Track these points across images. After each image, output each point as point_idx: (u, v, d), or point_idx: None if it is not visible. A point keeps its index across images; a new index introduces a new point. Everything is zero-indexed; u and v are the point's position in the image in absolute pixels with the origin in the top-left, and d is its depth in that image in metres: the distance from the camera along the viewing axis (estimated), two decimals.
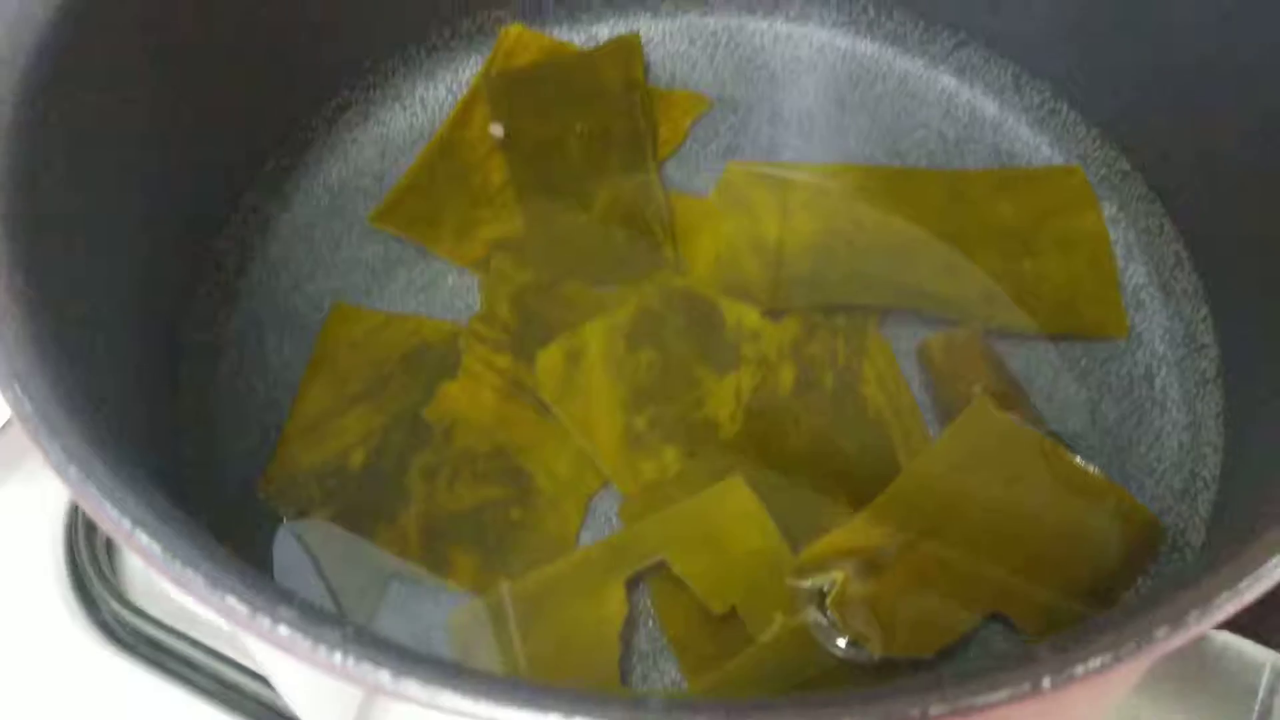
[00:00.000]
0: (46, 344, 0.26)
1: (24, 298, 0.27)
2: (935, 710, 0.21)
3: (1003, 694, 0.21)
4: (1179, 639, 0.22)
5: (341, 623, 0.22)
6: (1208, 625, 0.22)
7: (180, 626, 0.41)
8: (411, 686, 0.22)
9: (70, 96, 0.32)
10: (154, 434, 0.35)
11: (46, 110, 0.31)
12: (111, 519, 0.23)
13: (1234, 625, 0.39)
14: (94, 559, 0.42)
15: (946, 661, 0.34)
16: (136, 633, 0.41)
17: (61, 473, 0.24)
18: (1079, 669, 0.21)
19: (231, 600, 0.23)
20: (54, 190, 0.31)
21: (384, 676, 0.22)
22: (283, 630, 0.22)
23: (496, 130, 0.43)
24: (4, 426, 0.45)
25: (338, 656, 0.22)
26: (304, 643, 0.22)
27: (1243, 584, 0.23)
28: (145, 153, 0.37)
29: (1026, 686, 0.21)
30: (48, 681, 0.41)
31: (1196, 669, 0.40)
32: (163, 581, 0.23)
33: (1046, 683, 0.21)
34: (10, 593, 0.42)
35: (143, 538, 0.23)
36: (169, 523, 0.24)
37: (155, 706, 0.40)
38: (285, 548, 0.37)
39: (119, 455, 0.25)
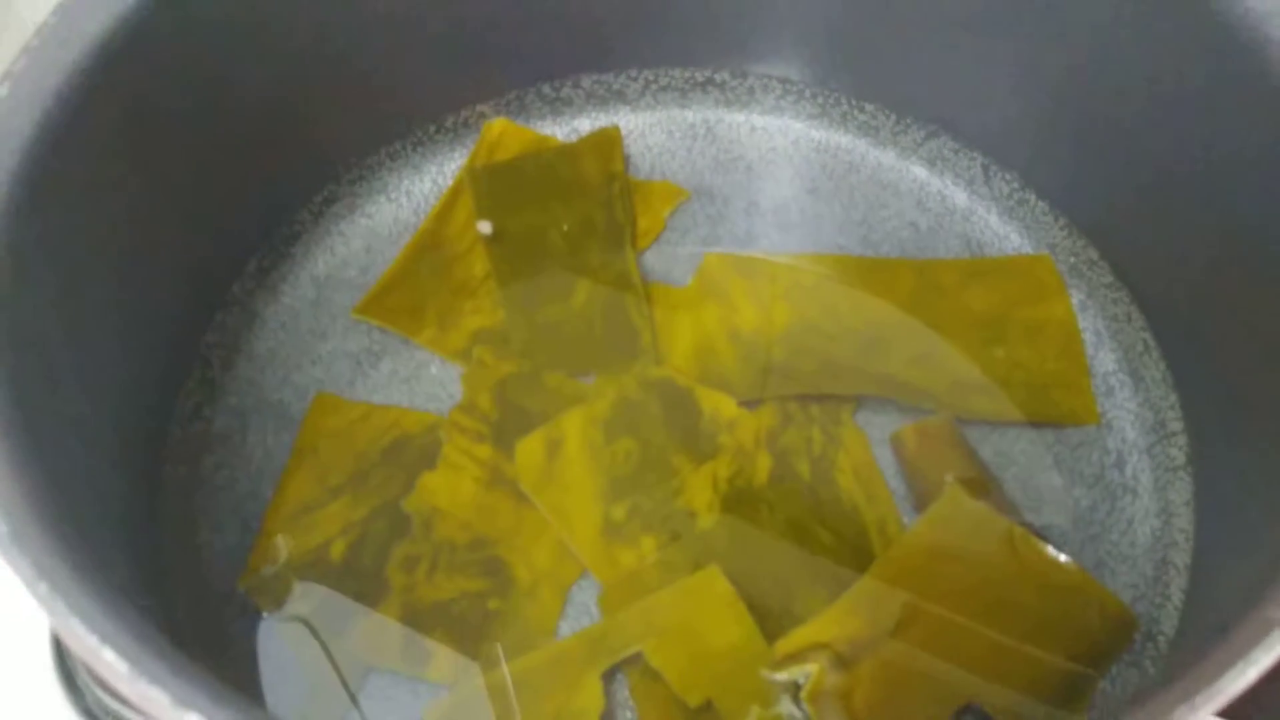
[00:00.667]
0: (20, 453, 0.27)
1: (2, 415, 0.28)
2: None
3: None
4: None
5: None
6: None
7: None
8: None
9: (50, 213, 0.32)
10: (135, 533, 0.36)
11: (28, 226, 0.31)
12: (78, 635, 0.23)
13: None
14: None
15: None
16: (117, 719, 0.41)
17: (32, 588, 0.24)
18: None
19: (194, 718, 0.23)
20: (37, 304, 0.31)
21: None
22: None
23: (484, 227, 0.44)
24: None
25: None
26: None
27: (1222, 681, 0.23)
28: (131, 256, 0.37)
29: None
30: None
31: None
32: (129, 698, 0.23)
33: None
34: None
35: (109, 655, 0.24)
36: (137, 638, 0.24)
37: None
38: (268, 641, 0.37)
39: (93, 562, 0.26)
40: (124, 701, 0.41)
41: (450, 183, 0.46)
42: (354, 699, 0.36)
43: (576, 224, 0.44)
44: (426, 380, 0.42)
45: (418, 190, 0.46)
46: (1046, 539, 0.36)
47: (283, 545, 0.38)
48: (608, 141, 0.46)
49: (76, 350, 0.33)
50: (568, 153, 0.46)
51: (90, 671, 0.42)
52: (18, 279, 0.30)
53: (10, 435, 0.27)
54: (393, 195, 0.46)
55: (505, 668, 0.36)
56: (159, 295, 0.39)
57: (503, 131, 0.47)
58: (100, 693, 0.41)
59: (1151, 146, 0.39)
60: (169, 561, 0.38)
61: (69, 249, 0.33)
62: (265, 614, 0.37)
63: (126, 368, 0.37)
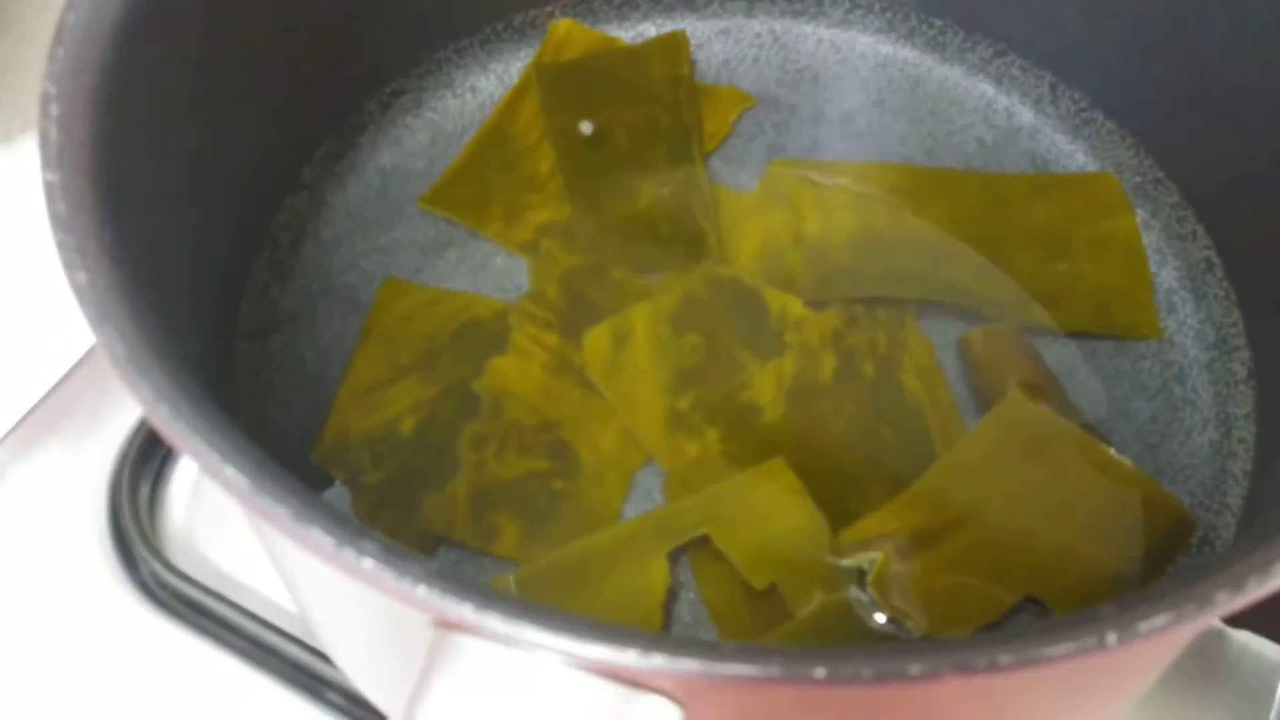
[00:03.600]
0: (134, 295, 0.27)
1: (111, 253, 0.28)
2: (1003, 660, 0.22)
3: (1068, 647, 0.22)
4: (1237, 603, 0.23)
5: (423, 559, 0.23)
6: (1264, 592, 0.23)
7: (220, 589, 0.41)
8: (494, 620, 0.22)
9: (145, 72, 0.33)
10: (216, 395, 0.36)
11: (126, 84, 0.32)
12: (202, 453, 0.24)
13: (1253, 625, 0.40)
14: (136, 520, 0.42)
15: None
16: (176, 594, 0.42)
17: (152, 411, 0.24)
18: (1142, 626, 0.22)
19: (317, 533, 0.23)
20: (135, 158, 0.32)
21: (467, 610, 0.22)
22: (367, 564, 0.23)
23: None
24: (48, 393, 0.46)
25: (422, 589, 0.23)
26: (388, 575, 0.23)
27: None
28: (213, 130, 0.37)
29: (1092, 641, 0.22)
30: (88, 639, 0.41)
31: (1215, 669, 0.41)
32: (248, 515, 0.24)
33: (1112, 638, 0.22)
34: (54, 552, 0.42)
35: (231, 471, 0.24)
36: (254, 460, 0.24)
37: (192, 667, 0.41)
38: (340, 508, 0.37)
39: (200, 398, 0.26)
40: (178, 573, 0.42)
41: (516, 80, 0.46)
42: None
43: (643, 126, 0.45)
44: (493, 270, 0.42)
45: (484, 87, 0.46)
46: (1108, 441, 0.37)
47: (353, 419, 0.38)
48: (674, 45, 0.46)
49: (166, 211, 0.34)
50: (634, 55, 0.46)
51: (148, 543, 0.42)
52: (122, 129, 0.31)
53: (120, 275, 0.27)
54: (459, 91, 0.46)
55: (572, 544, 0.36)
56: (235, 171, 0.39)
57: (569, 31, 0.47)
58: (156, 565, 0.42)
59: (1222, 66, 0.40)
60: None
61: (161, 108, 0.34)
62: (338, 483, 0.37)
63: (205, 238, 0.37)
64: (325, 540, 0.23)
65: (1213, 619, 0.23)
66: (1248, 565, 0.24)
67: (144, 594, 0.42)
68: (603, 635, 0.22)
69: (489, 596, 0.23)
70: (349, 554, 0.23)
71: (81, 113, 0.30)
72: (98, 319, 0.26)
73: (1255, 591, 0.23)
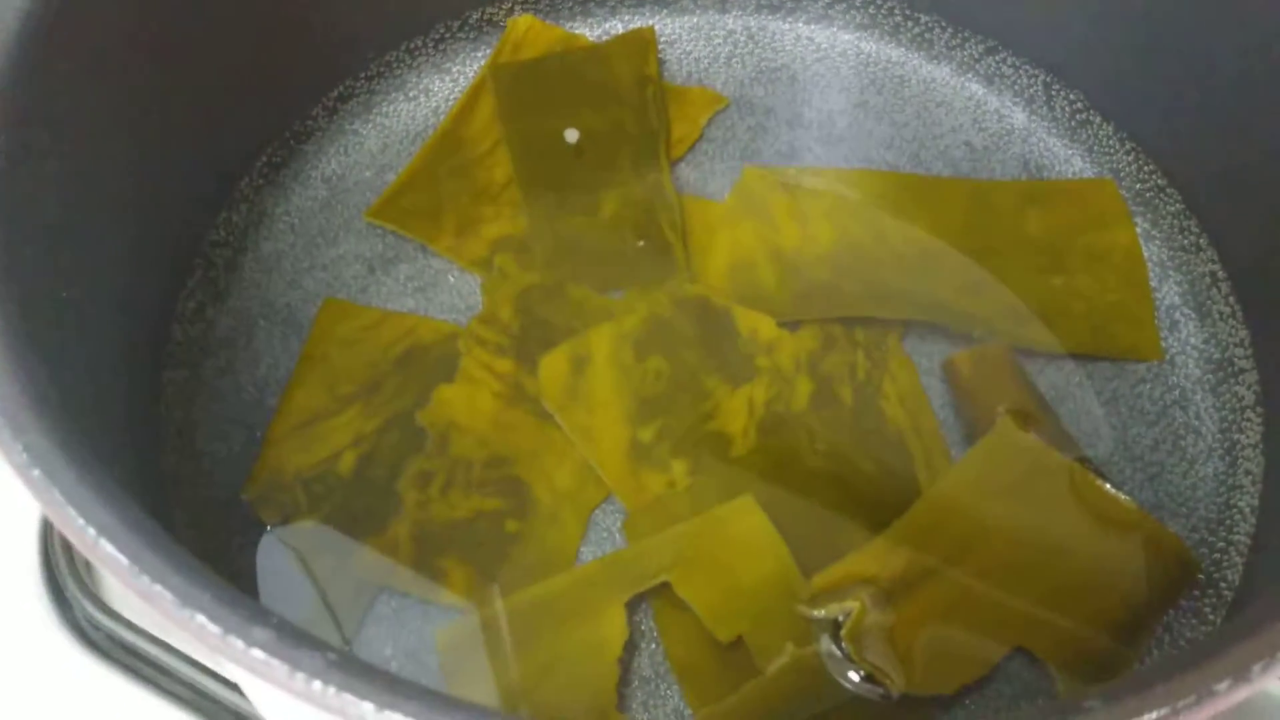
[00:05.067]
0: (19, 343, 0.25)
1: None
2: None
3: None
4: (1241, 693, 0.20)
5: (322, 646, 0.20)
6: (1272, 678, 0.21)
7: (155, 631, 0.39)
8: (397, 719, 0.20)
9: (53, 85, 0.30)
10: (135, 436, 0.33)
11: (30, 100, 0.29)
12: (75, 527, 0.21)
13: None
14: (69, 559, 0.40)
15: (968, 697, 0.32)
16: (110, 636, 0.39)
17: (24, 475, 0.22)
18: None
19: (201, 619, 0.21)
20: (39, 182, 0.29)
21: (367, 708, 0.20)
22: (257, 654, 0.20)
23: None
24: None
25: (317, 685, 0.20)
26: (280, 668, 0.20)
27: None
28: (136, 142, 0.35)
29: None
30: (20, 683, 0.39)
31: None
32: (129, 594, 0.21)
33: None
34: None
35: (108, 547, 0.21)
36: (138, 532, 0.22)
37: (126, 709, 0.38)
38: (270, 556, 0.35)
39: (92, 457, 0.23)
40: (113, 615, 0.39)
41: (472, 82, 0.43)
42: (362, 617, 0.34)
43: (606, 129, 0.42)
44: (444, 289, 0.39)
45: (438, 89, 0.43)
46: (1103, 475, 0.34)
47: (289, 455, 0.35)
48: (641, 42, 0.43)
49: (77, 235, 0.31)
50: (597, 53, 0.43)
51: (81, 584, 0.39)
52: (20, 152, 0.28)
53: (5, 316, 0.25)
54: (411, 94, 0.43)
55: (524, 591, 0.33)
56: (163, 186, 0.37)
57: (529, 29, 0.44)
58: (90, 607, 0.39)
59: (1229, 65, 0.37)
60: (169, 469, 0.35)
61: (73, 126, 0.31)
62: (269, 527, 0.34)
63: (128, 260, 0.35)
64: (211, 628, 0.21)
65: (1213, 711, 0.21)
66: (1253, 647, 0.21)
67: (77, 637, 0.39)
68: None
69: (393, 694, 0.20)
70: (236, 643, 0.21)
71: None
72: None
73: (1260, 680, 0.21)
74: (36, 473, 0.22)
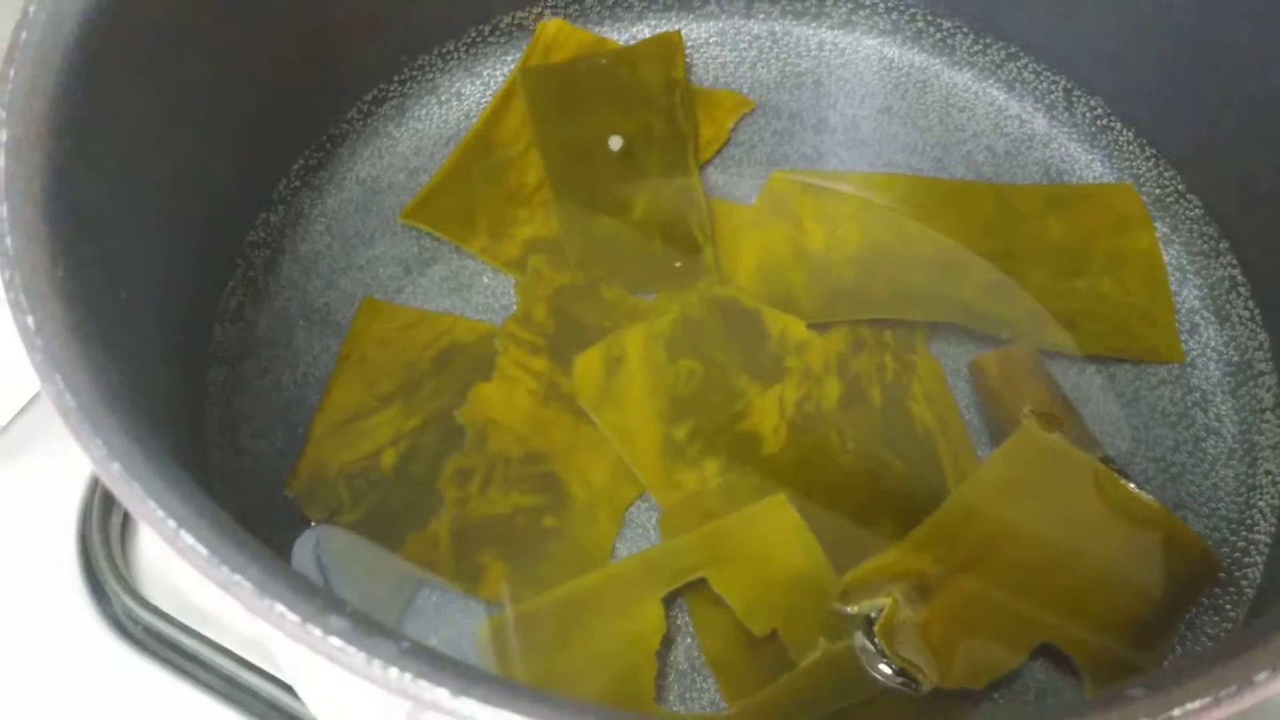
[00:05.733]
0: (88, 337, 0.25)
1: (64, 291, 0.26)
2: None
3: None
4: (1278, 683, 0.21)
5: (397, 636, 0.21)
6: None
7: (191, 623, 0.39)
8: (470, 705, 0.21)
9: (107, 90, 0.31)
10: (182, 433, 0.34)
11: (85, 105, 0.30)
12: (156, 519, 0.22)
13: None
14: (107, 552, 0.40)
15: (996, 692, 0.33)
16: (147, 628, 0.40)
17: (104, 470, 0.23)
18: (1176, 711, 0.20)
19: (281, 608, 0.21)
20: (93, 184, 0.30)
21: (442, 694, 0.21)
22: (335, 641, 0.21)
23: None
24: (16, 415, 0.44)
25: (393, 672, 0.21)
26: (357, 655, 0.21)
27: None
28: (181, 145, 0.35)
29: None
30: (58, 674, 0.39)
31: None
32: (210, 585, 0.22)
33: None
34: (23, 585, 0.40)
35: (188, 539, 0.22)
36: (214, 525, 0.22)
37: (167, 705, 0.39)
38: (314, 551, 0.35)
39: (164, 452, 0.24)
40: (151, 608, 0.40)
41: (503, 85, 0.44)
42: (402, 613, 0.34)
43: (635, 132, 0.42)
44: (479, 289, 0.40)
45: (469, 93, 0.44)
46: (1126, 475, 0.35)
47: (330, 452, 0.36)
48: (668, 46, 0.44)
49: (128, 236, 0.32)
50: (626, 56, 0.44)
51: (119, 577, 0.40)
52: (79, 154, 0.29)
53: (74, 314, 0.25)
54: (444, 97, 0.44)
55: (562, 587, 0.34)
56: (206, 187, 0.37)
57: (558, 32, 0.45)
58: (128, 600, 0.40)
59: (1248, 72, 0.38)
60: (213, 466, 0.36)
61: (123, 131, 0.32)
62: (312, 523, 0.35)
63: (172, 261, 0.35)
64: (290, 616, 0.21)
65: (1252, 701, 0.21)
66: None
67: (116, 629, 0.40)
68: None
69: (466, 679, 0.21)
70: (314, 631, 0.21)
71: (35, 139, 0.28)
72: (45, 368, 0.24)
73: None
74: (117, 467, 0.22)
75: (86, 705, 0.39)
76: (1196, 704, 0.20)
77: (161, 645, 0.40)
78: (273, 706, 0.39)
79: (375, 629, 0.21)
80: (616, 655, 0.33)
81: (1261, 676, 0.21)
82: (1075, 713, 0.21)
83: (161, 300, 0.34)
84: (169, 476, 0.23)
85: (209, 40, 0.36)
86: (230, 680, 0.39)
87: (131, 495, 0.22)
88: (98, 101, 0.30)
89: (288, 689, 0.38)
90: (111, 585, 0.40)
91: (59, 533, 0.42)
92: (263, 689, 0.39)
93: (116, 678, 0.39)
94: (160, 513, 0.22)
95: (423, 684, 0.21)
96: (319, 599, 0.22)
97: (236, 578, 0.22)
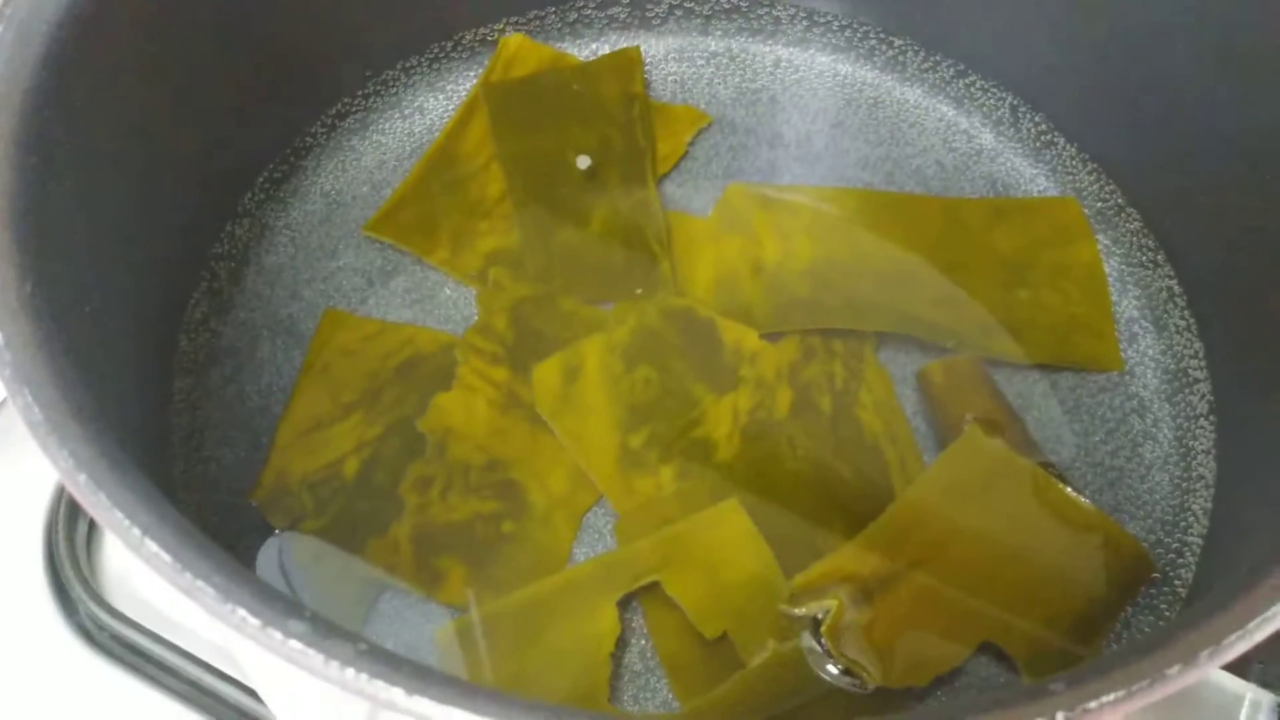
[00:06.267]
0: (55, 351, 0.26)
1: (31, 306, 0.27)
2: None
3: None
4: (1190, 677, 0.22)
5: (354, 638, 0.22)
6: (1217, 664, 0.23)
7: (157, 629, 0.40)
8: (425, 704, 0.21)
9: (74, 106, 0.32)
10: (148, 443, 0.35)
11: (52, 121, 0.31)
12: (122, 528, 0.23)
13: None
14: (73, 559, 0.41)
15: (940, 689, 0.34)
16: (113, 635, 0.40)
17: (71, 480, 0.23)
18: (1092, 703, 0.22)
19: (243, 613, 0.22)
20: (60, 200, 0.30)
21: (397, 694, 0.21)
22: (294, 644, 0.22)
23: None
24: None
25: (350, 672, 0.22)
26: (315, 657, 0.22)
27: (1252, 624, 0.23)
28: (146, 160, 0.36)
29: None
30: (24, 680, 0.40)
31: (1177, 702, 0.40)
32: (175, 591, 0.22)
33: (1060, 717, 0.21)
34: None
35: (153, 547, 0.23)
36: (178, 532, 0.23)
37: (130, 708, 0.39)
38: (274, 559, 0.36)
39: (129, 462, 0.25)
40: (117, 615, 0.40)
41: (465, 100, 0.45)
42: (363, 617, 0.35)
43: (595, 146, 0.43)
44: (440, 301, 0.41)
45: (432, 107, 0.45)
46: (1065, 480, 0.36)
47: (294, 460, 0.37)
48: (627, 61, 0.45)
49: (95, 249, 0.32)
50: (586, 71, 0.45)
51: (86, 584, 0.41)
52: (46, 171, 0.29)
53: (41, 329, 0.26)
54: (407, 111, 0.45)
55: (520, 590, 0.35)
56: (171, 200, 0.38)
57: (519, 48, 0.46)
58: (94, 607, 0.40)
59: (1187, 91, 0.39)
60: (177, 474, 0.37)
61: (89, 144, 0.32)
62: (276, 530, 0.36)
63: (138, 272, 0.36)
64: (251, 620, 0.22)
65: (1165, 694, 0.23)
66: (1201, 636, 0.23)
67: (82, 636, 0.40)
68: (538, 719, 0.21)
69: (421, 680, 0.22)
70: (274, 635, 0.22)
71: (2, 156, 0.29)
72: (13, 382, 0.25)
73: (1208, 665, 0.23)
74: (83, 477, 0.23)
75: (52, 711, 0.39)
76: (1111, 697, 0.22)
77: (127, 651, 0.40)
78: (237, 710, 0.39)
79: (333, 631, 0.22)
80: (572, 656, 0.34)
81: (1174, 670, 0.22)
82: (999, 705, 0.22)
83: (128, 312, 0.35)
84: (134, 486, 0.24)
85: (174, 57, 0.37)
86: (195, 685, 0.40)
87: (98, 505, 0.23)
88: (65, 117, 0.31)
89: (251, 693, 0.39)
90: (77, 592, 0.41)
91: (25, 540, 0.42)
92: (227, 693, 0.39)
93: (82, 684, 0.40)
94: (126, 521, 0.23)
95: (379, 684, 0.21)
96: (279, 603, 0.22)
97: (200, 584, 0.22)
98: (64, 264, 0.30)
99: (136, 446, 0.33)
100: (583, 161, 0.42)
